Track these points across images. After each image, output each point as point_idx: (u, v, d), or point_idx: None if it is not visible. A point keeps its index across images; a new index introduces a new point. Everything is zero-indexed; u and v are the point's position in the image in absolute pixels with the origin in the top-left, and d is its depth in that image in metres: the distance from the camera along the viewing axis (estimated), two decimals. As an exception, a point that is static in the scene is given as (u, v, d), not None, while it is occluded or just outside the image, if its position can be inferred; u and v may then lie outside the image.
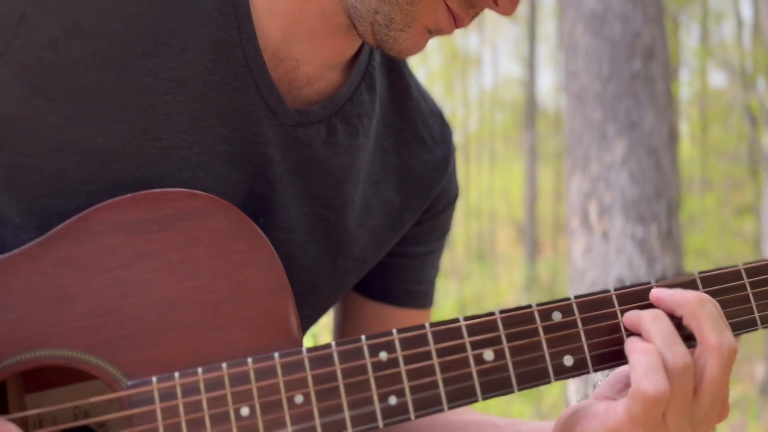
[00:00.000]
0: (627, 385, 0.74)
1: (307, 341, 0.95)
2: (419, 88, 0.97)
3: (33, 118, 0.69)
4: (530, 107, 16.37)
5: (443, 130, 0.98)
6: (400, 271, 1.00)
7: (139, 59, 0.71)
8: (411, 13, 0.76)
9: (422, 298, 1.02)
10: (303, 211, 0.84)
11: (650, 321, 0.70)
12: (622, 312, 0.73)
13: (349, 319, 1.03)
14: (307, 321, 0.92)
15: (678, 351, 0.68)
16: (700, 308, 0.70)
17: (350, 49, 0.85)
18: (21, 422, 0.73)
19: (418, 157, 0.95)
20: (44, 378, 0.76)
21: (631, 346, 0.69)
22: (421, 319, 1.02)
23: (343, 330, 1.04)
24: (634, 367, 0.67)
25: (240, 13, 0.76)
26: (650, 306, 0.73)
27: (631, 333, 0.72)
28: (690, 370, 0.67)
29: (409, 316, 1.00)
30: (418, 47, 0.80)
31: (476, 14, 0.79)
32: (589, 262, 3.74)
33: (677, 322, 0.71)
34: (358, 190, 0.89)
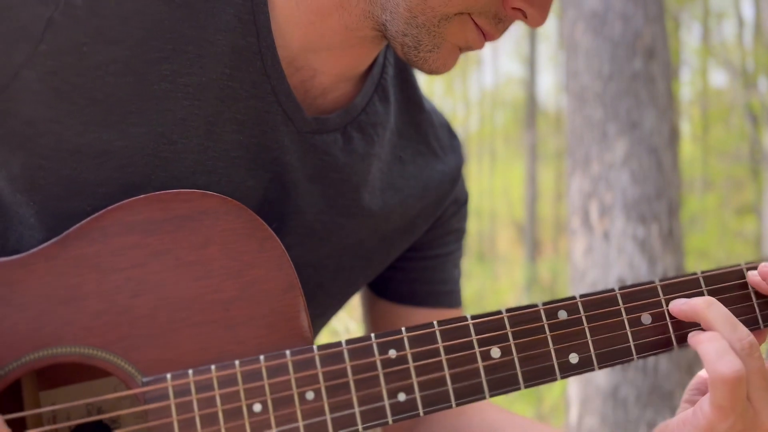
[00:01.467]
0: (702, 391, 0.76)
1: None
2: (428, 101, 0.99)
3: (54, 121, 0.70)
4: (531, 107, 16.37)
5: (452, 141, 1.01)
6: (422, 273, 1.01)
7: (157, 64, 0.72)
8: (439, 34, 0.76)
9: (449, 297, 1.03)
10: (320, 219, 0.86)
11: (706, 309, 0.72)
12: (626, 310, 0.74)
13: (384, 325, 1.04)
14: (317, 319, 0.93)
15: (741, 332, 0.70)
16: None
17: (367, 60, 0.86)
18: (35, 418, 0.75)
19: (433, 167, 0.97)
20: (58, 375, 0.77)
21: (695, 338, 0.72)
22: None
23: None
24: (705, 356, 0.69)
25: (259, 21, 0.77)
26: (656, 304, 0.74)
27: (635, 331, 0.74)
28: (757, 347, 0.70)
29: (438, 316, 1.02)
30: (449, 65, 0.80)
31: (506, 28, 0.79)
32: (589, 262, 3.75)
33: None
34: (375, 196, 0.90)
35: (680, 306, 0.74)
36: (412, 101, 0.95)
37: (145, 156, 0.73)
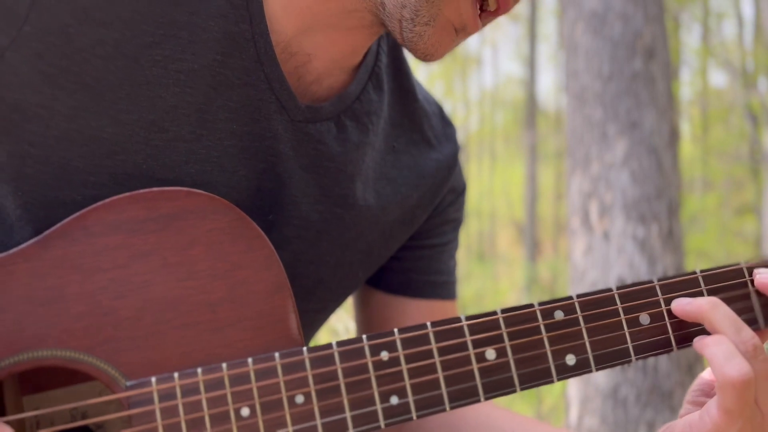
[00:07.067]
0: (707, 393, 0.75)
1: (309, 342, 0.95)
2: (421, 89, 0.98)
3: (41, 106, 0.69)
4: (530, 107, 16.36)
5: (446, 129, 1.00)
6: (417, 262, 1.00)
7: (148, 49, 0.71)
8: (435, 4, 0.75)
9: (444, 288, 1.02)
10: (316, 208, 0.84)
11: (711, 311, 0.71)
12: (624, 310, 0.72)
13: (376, 317, 1.02)
14: (317, 315, 0.92)
15: (746, 334, 0.69)
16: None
17: (361, 48, 0.85)
18: (18, 424, 0.73)
19: (428, 156, 0.96)
20: (41, 380, 0.75)
21: (701, 341, 0.71)
22: (447, 310, 1.01)
23: (369, 330, 1.04)
24: (712, 359, 0.68)
25: (252, 7, 0.76)
26: (654, 304, 0.73)
27: (633, 331, 0.72)
28: (762, 349, 0.69)
29: (433, 308, 1.00)
30: (444, 46, 0.79)
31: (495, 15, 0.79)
32: (589, 262, 3.73)
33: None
34: (369, 187, 0.89)
35: (684, 306, 0.72)
36: (405, 90, 0.94)
37: (136, 144, 0.72)
